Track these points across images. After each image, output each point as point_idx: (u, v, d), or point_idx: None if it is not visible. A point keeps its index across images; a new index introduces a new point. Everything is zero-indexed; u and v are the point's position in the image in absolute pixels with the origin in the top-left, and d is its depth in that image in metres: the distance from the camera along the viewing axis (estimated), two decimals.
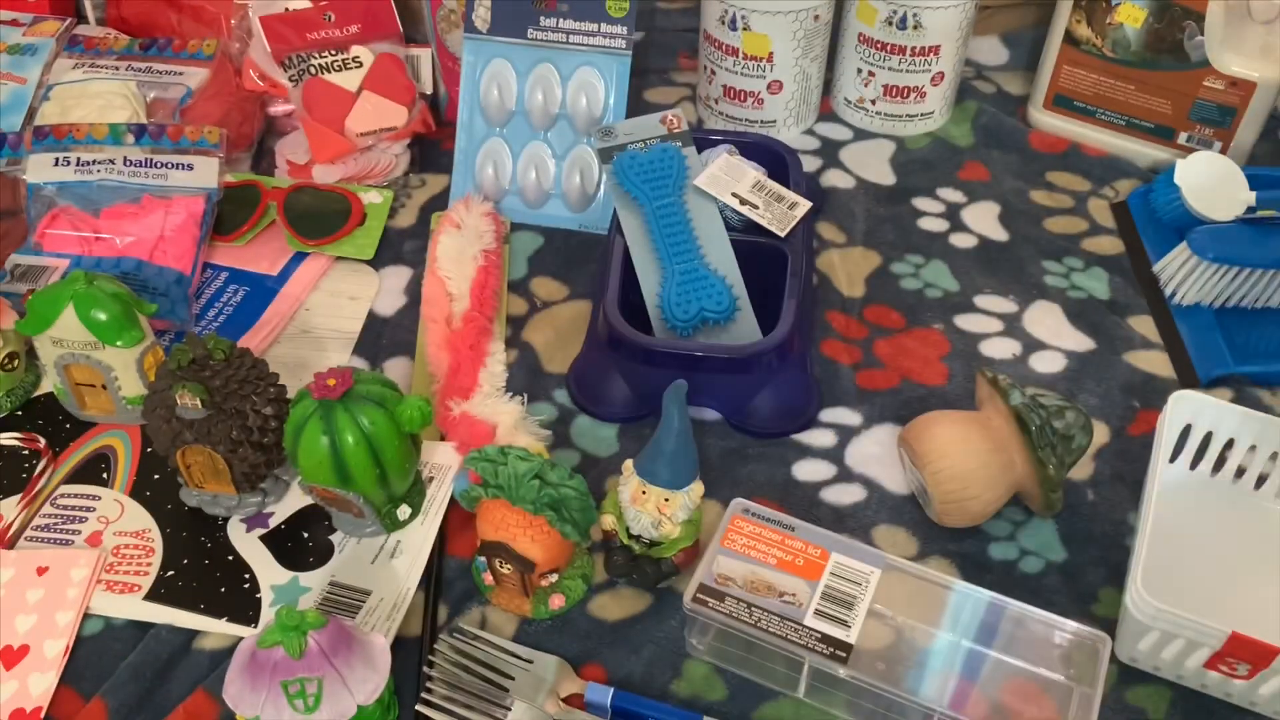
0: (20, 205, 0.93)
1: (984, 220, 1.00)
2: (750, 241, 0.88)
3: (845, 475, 0.79)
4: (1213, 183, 0.93)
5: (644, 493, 0.68)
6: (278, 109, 1.05)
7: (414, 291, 0.93)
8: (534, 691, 0.66)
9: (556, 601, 0.70)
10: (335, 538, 0.75)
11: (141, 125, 0.93)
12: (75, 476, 0.79)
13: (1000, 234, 0.99)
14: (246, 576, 0.73)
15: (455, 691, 0.66)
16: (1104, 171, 1.04)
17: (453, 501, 0.76)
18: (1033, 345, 0.88)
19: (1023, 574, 0.73)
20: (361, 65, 1.01)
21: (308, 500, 0.77)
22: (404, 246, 0.97)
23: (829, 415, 0.83)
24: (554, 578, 0.70)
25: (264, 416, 0.73)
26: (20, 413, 0.83)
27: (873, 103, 1.08)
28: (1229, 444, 0.76)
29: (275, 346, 0.89)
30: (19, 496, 0.77)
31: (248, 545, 0.75)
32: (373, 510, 0.72)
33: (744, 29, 1.01)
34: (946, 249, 0.97)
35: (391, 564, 0.73)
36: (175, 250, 0.90)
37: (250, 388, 0.72)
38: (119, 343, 0.77)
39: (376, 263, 0.96)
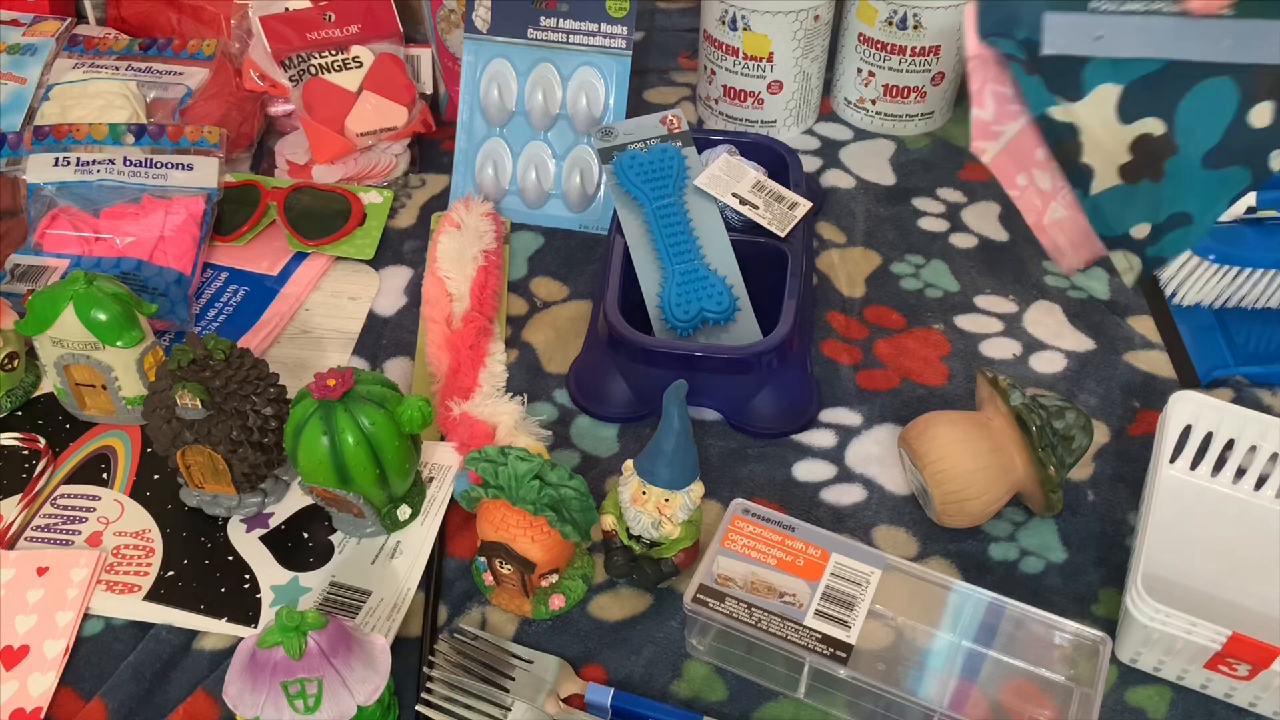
0: (20, 205, 0.93)
1: (984, 220, 1.00)
2: (750, 241, 0.88)
3: (845, 475, 0.79)
4: None
5: (644, 493, 0.68)
6: (278, 109, 1.05)
7: (414, 291, 0.93)
8: (534, 691, 0.66)
9: (556, 602, 0.70)
10: (335, 538, 0.75)
11: (141, 125, 0.93)
12: (75, 476, 0.79)
13: (1000, 234, 0.99)
14: (246, 577, 0.73)
15: (455, 691, 0.66)
16: None
17: (453, 501, 0.76)
18: (1033, 345, 0.88)
19: (1023, 574, 0.73)
20: (361, 65, 1.01)
21: (308, 500, 0.77)
22: (404, 246, 0.97)
23: (829, 415, 0.83)
24: (554, 578, 0.70)
25: (264, 416, 0.73)
26: (20, 413, 0.83)
27: (873, 103, 1.08)
28: (1229, 445, 0.76)
29: (275, 346, 0.89)
30: (19, 496, 0.77)
31: (248, 545, 0.75)
32: (373, 510, 0.72)
33: (744, 29, 1.01)
34: (947, 249, 0.97)
35: (391, 564, 0.73)
36: (175, 250, 0.90)
37: (250, 388, 0.72)
38: (119, 343, 0.77)
39: (376, 263, 0.96)
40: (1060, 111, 0.62)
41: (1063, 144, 0.63)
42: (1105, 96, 0.62)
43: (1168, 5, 0.59)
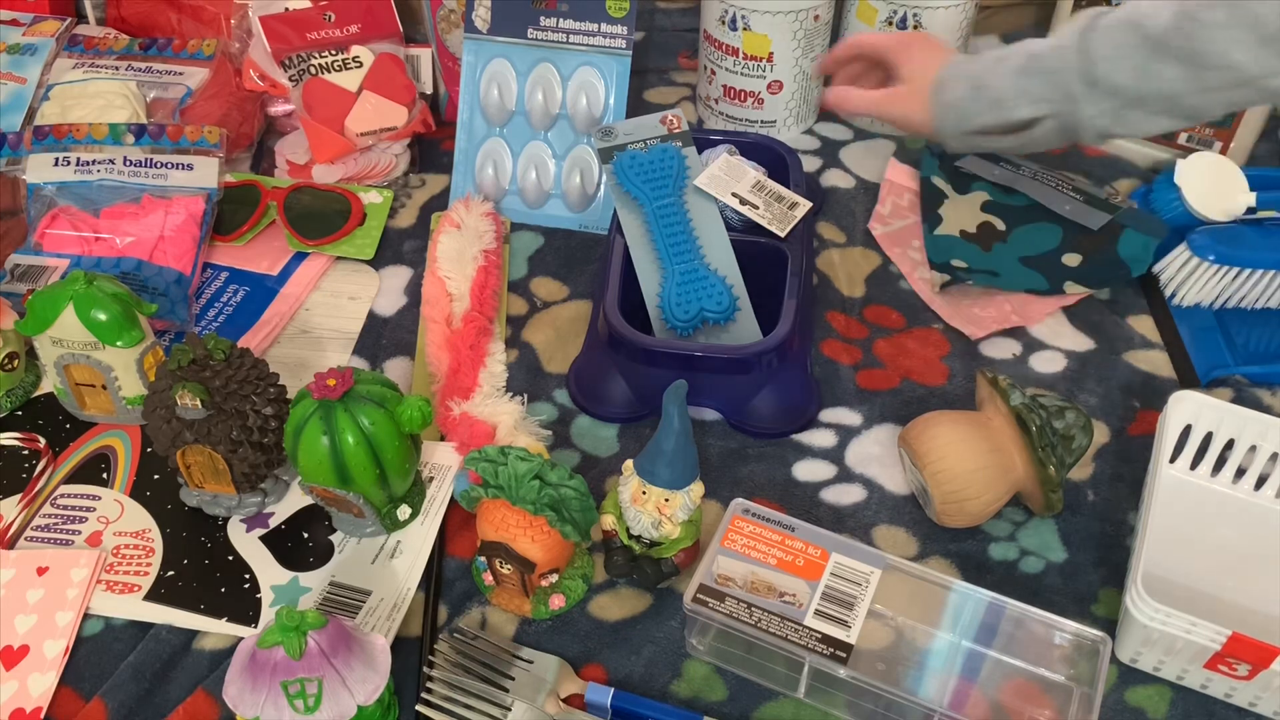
0: (20, 205, 0.93)
1: None
2: (750, 241, 0.88)
3: (845, 475, 0.79)
4: (1213, 183, 0.93)
5: (644, 493, 0.68)
6: (278, 109, 1.05)
7: (414, 291, 0.93)
8: (534, 691, 0.66)
9: (556, 601, 0.70)
10: (335, 538, 0.75)
11: (141, 125, 0.93)
12: (75, 476, 0.79)
13: None
14: (246, 576, 0.73)
15: (455, 691, 0.66)
16: (1104, 171, 1.04)
17: (453, 501, 0.76)
18: (1033, 345, 0.88)
19: (1023, 574, 0.73)
20: (361, 65, 1.01)
21: (308, 500, 0.77)
22: (404, 246, 0.97)
23: (829, 415, 0.83)
24: (554, 578, 0.70)
25: (264, 416, 0.73)
26: (20, 413, 0.83)
27: None
28: (1229, 445, 0.76)
29: (275, 346, 0.89)
30: (19, 496, 0.77)
31: (248, 545, 0.75)
32: (373, 510, 0.72)
33: (744, 29, 1.01)
34: None
35: (391, 564, 0.73)
36: (175, 250, 0.90)
37: (250, 388, 0.72)
38: (119, 343, 0.77)
39: (376, 263, 0.96)
40: (939, 182, 0.97)
41: (931, 196, 0.96)
42: (978, 195, 0.95)
43: (1048, 179, 0.95)
